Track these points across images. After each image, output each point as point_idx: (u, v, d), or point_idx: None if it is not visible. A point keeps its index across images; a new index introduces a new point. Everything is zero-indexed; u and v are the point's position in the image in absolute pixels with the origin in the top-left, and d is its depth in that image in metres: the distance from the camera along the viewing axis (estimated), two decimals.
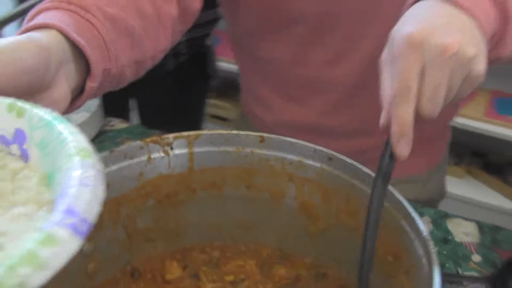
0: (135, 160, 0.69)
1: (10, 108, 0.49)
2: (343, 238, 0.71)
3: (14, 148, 0.49)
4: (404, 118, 0.55)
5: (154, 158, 0.70)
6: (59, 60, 0.56)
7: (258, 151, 0.71)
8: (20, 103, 0.49)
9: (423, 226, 0.58)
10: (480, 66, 0.56)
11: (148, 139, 0.69)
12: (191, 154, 0.71)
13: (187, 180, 0.73)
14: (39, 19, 0.58)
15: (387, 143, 0.58)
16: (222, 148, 0.71)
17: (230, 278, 0.74)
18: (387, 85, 0.57)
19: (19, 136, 0.48)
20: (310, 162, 0.69)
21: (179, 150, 0.71)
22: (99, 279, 0.72)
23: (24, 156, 0.48)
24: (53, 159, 0.45)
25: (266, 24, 0.98)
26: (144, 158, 0.69)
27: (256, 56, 1.04)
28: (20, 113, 0.49)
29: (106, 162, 0.67)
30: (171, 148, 0.70)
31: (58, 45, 0.56)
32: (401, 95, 0.55)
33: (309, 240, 0.74)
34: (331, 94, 1.01)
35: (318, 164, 0.69)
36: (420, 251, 0.58)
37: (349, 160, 0.66)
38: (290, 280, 0.74)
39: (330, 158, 0.68)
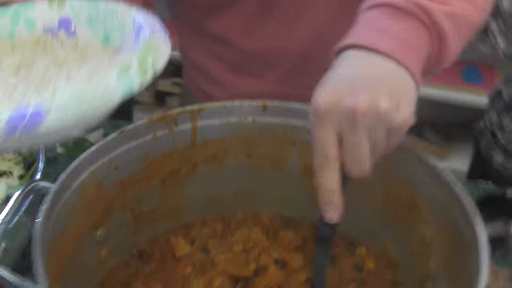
0: (142, 140, 0.67)
1: (51, 2, 0.60)
2: (348, 196, 0.73)
3: (62, 33, 0.60)
4: (327, 186, 0.56)
5: (159, 136, 0.68)
6: None
7: (260, 119, 0.72)
8: None
9: (447, 172, 0.61)
10: (400, 115, 0.54)
11: (154, 117, 0.67)
12: (194, 128, 0.70)
13: (189, 155, 0.72)
14: None
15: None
16: (225, 120, 0.71)
17: (239, 247, 0.74)
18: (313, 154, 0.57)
19: (65, 23, 0.59)
20: None
21: (183, 126, 0.70)
22: (111, 265, 0.70)
23: (73, 36, 0.60)
24: (105, 27, 0.58)
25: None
26: (150, 136, 0.68)
27: (205, 34, 1.03)
28: (61, 4, 0.60)
29: (115, 143, 0.65)
30: (175, 124, 0.69)
31: None
32: (321, 165, 0.55)
33: (311, 202, 0.76)
34: (283, 63, 1.02)
35: None
36: (443, 196, 0.62)
37: None
38: (298, 243, 0.75)
39: None
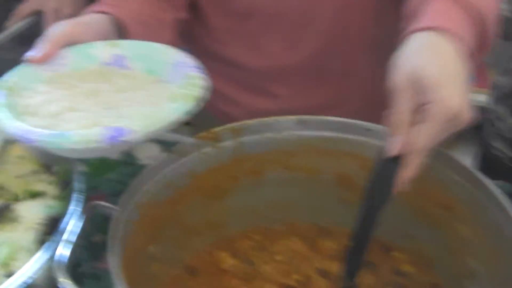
0: (188, 158, 0.71)
1: (107, 42, 0.76)
2: None
3: (116, 66, 0.74)
4: (418, 168, 0.64)
5: (204, 153, 0.72)
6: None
7: (296, 133, 0.75)
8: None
9: (484, 177, 0.65)
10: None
11: (198, 136, 0.71)
12: (235, 144, 0.74)
13: (231, 170, 0.75)
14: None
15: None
16: (264, 135, 0.75)
17: (281, 257, 0.77)
18: (404, 120, 0.64)
19: (118, 58, 0.75)
20: (347, 136, 0.75)
21: (225, 142, 0.73)
22: (162, 280, 0.73)
23: (126, 69, 0.74)
24: (149, 62, 0.73)
25: (220, 23, 1.01)
26: (196, 154, 0.71)
27: (214, 57, 1.07)
28: (115, 44, 0.76)
29: (166, 162, 0.68)
30: (219, 141, 0.73)
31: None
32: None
33: (345, 210, 0.79)
34: (293, 79, 1.05)
35: (355, 137, 0.74)
36: (480, 196, 0.66)
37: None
38: (337, 251, 0.78)
39: (368, 129, 0.74)
